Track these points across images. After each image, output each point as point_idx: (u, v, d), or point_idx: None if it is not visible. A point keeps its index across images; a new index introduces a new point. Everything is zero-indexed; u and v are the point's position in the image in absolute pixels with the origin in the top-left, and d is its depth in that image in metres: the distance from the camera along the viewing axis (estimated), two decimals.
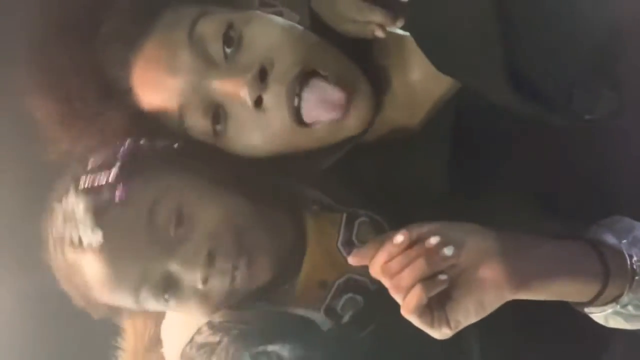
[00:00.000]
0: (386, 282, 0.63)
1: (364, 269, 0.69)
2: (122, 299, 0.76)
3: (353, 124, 0.77)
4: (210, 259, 0.72)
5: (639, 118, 0.73)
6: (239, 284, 0.74)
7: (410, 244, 0.62)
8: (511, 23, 0.68)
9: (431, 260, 0.61)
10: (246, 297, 0.77)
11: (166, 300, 0.74)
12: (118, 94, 0.76)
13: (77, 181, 0.75)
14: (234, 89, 0.72)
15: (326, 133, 0.77)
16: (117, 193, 0.73)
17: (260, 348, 0.73)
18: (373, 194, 0.81)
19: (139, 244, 0.73)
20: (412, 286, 0.60)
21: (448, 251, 0.61)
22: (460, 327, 0.63)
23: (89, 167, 0.76)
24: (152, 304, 0.76)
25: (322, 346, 0.74)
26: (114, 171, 0.74)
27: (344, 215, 0.79)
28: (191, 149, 0.77)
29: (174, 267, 0.73)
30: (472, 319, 0.63)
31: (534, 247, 0.65)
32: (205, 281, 0.73)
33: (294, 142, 0.77)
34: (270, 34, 0.75)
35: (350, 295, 0.77)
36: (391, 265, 0.62)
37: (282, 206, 0.80)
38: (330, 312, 0.77)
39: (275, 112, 0.74)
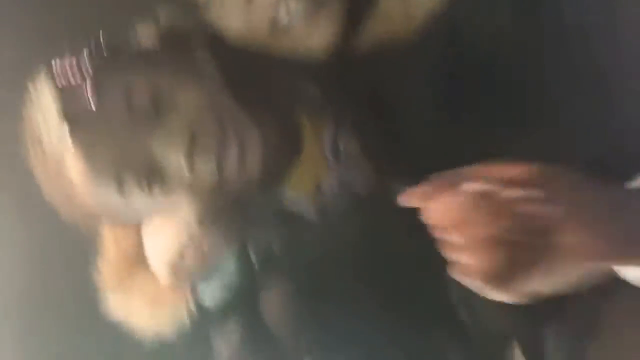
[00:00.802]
0: (451, 236, 0.52)
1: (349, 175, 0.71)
2: (107, 193, 0.73)
3: (321, 37, 0.77)
4: (193, 140, 0.70)
5: None
6: (228, 174, 0.72)
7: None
8: None
9: (522, 217, 0.49)
10: (238, 197, 0.75)
11: (151, 190, 0.72)
12: None
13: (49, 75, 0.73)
14: None
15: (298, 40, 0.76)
16: (88, 83, 0.71)
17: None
18: (364, 104, 0.79)
19: (117, 126, 0.70)
20: (489, 247, 0.50)
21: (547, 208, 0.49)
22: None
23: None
24: (138, 196, 0.73)
25: (311, 234, 0.74)
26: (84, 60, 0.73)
27: (333, 120, 0.78)
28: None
29: (157, 149, 0.71)
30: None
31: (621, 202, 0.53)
32: (190, 166, 0.70)
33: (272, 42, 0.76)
34: None
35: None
36: (464, 215, 0.51)
37: (275, 104, 0.77)
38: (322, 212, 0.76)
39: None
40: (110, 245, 0.86)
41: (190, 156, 0.70)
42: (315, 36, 0.78)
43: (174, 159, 0.70)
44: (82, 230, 0.81)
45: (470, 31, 0.79)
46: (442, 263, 0.71)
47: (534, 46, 0.78)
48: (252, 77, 0.77)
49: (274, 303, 0.72)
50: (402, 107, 0.79)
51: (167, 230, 0.80)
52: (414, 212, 0.73)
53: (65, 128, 0.70)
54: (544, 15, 0.80)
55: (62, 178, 0.73)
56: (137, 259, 0.84)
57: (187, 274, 0.79)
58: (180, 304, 0.82)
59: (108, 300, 0.85)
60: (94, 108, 0.70)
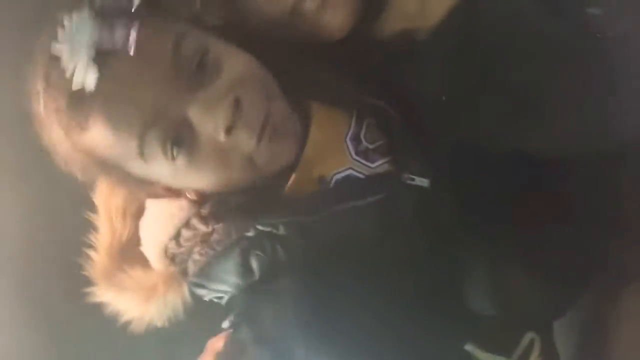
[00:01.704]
0: None
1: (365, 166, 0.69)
2: (124, 151, 0.66)
3: (334, 22, 0.75)
4: (237, 105, 0.65)
5: None
6: (260, 155, 0.67)
7: None
8: None
9: None
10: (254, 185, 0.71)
11: (173, 156, 0.66)
12: None
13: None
14: None
15: (307, 26, 0.75)
16: (131, 37, 0.64)
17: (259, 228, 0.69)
18: (383, 93, 0.77)
19: (160, 73, 0.64)
20: None
21: None
22: None
23: None
24: (156, 156, 0.66)
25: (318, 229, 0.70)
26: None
27: (355, 111, 0.75)
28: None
29: (194, 110, 0.65)
30: None
31: None
32: (229, 130, 0.65)
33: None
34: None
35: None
36: None
37: (294, 90, 0.74)
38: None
39: None
40: (106, 232, 0.82)
41: (231, 124, 0.65)
42: (329, 16, 0.75)
43: (211, 125, 0.65)
44: (79, 182, 0.76)
45: (487, 26, 0.78)
46: (456, 260, 0.71)
47: (552, 41, 0.77)
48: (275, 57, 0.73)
49: (274, 305, 0.69)
50: (419, 102, 0.78)
51: (166, 210, 0.76)
52: (429, 208, 0.73)
53: (94, 66, 0.63)
54: (564, 9, 0.79)
55: (74, 123, 0.66)
56: (133, 251, 0.80)
57: (180, 259, 0.75)
58: (175, 296, 0.79)
59: (98, 293, 0.82)
60: (132, 51, 0.63)
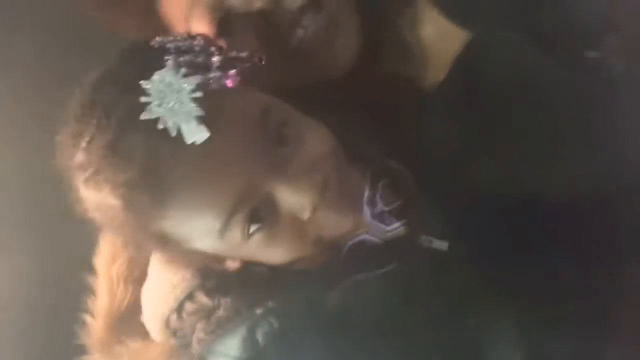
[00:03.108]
0: None
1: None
2: (204, 222, 0.59)
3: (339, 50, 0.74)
4: (326, 185, 0.61)
5: None
6: (329, 231, 0.64)
7: None
8: None
9: None
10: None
11: (249, 233, 0.60)
12: None
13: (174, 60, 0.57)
14: None
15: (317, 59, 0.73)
16: (233, 77, 0.59)
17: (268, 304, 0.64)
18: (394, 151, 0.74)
19: (248, 147, 0.58)
20: None
21: None
22: None
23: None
24: (237, 237, 0.60)
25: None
26: (217, 58, 0.60)
27: (369, 172, 0.70)
28: None
29: (280, 188, 0.60)
30: None
31: None
32: (314, 209, 0.61)
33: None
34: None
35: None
36: None
37: None
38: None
39: None
40: (105, 298, 0.78)
41: (318, 204, 0.61)
42: (333, 51, 0.75)
43: (297, 204, 0.61)
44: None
45: (491, 75, 0.77)
46: (471, 321, 0.68)
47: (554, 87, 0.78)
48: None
49: None
50: (429, 155, 0.76)
51: (168, 280, 0.71)
52: (448, 270, 0.70)
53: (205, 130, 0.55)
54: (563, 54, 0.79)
55: (144, 200, 0.58)
56: (132, 320, 0.75)
57: (182, 334, 0.70)
58: None
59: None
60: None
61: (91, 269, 0.80)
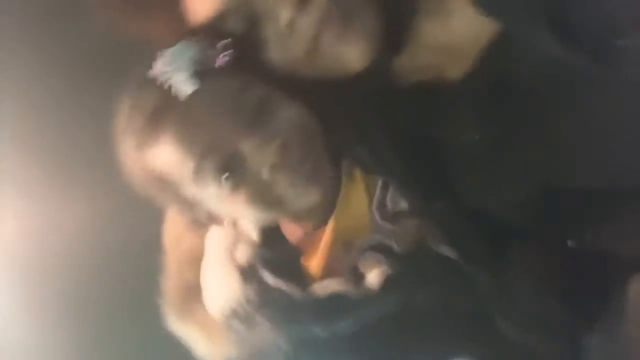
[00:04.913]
0: None
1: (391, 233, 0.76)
2: (185, 163, 0.75)
3: (353, 54, 0.77)
4: (285, 147, 0.75)
5: None
6: (290, 193, 0.76)
7: None
8: None
9: None
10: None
11: (223, 181, 0.75)
12: None
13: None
14: None
15: (328, 60, 0.78)
16: (220, 59, 0.76)
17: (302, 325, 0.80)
18: (409, 159, 0.81)
19: (226, 109, 0.75)
20: None
21: None
22: None
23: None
24: (207, 181, 0.75)
25: (351, 315, 0.78)
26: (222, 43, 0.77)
27: (380, 179, 0.81)
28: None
29: (246, 147, 0.74)
30: None
31: None
32: (273, 167, 0.74)
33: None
34: None
35: (373, 254, 0.80)
36: None
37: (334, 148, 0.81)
38: (351, 270, 0.81)
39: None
40: (173, 274, 0.93)
41: (275, 164, 0.74)
42: (348, 52, 0.78)
43: (258, 162, 0.74)
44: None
45: (520, 68, 0.79)
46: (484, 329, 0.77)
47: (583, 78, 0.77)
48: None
49: None
50: (449, 159, 0.80)
51: (223, 278, 0.85)
52: (455, 277, 0.78)
53: (194, 79, 0.74)
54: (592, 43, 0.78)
55: (147, 138, 0.76)
56: (198, 292, 0.90)
57: (236, 329, 0.85)
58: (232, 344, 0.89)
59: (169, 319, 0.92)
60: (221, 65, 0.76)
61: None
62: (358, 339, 0.78)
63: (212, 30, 0.77)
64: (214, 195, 0.76)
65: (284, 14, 0.75)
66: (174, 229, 0.94)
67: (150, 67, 0.77)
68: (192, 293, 0.91)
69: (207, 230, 0.88)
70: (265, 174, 0.74)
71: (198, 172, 0.75)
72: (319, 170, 0.78)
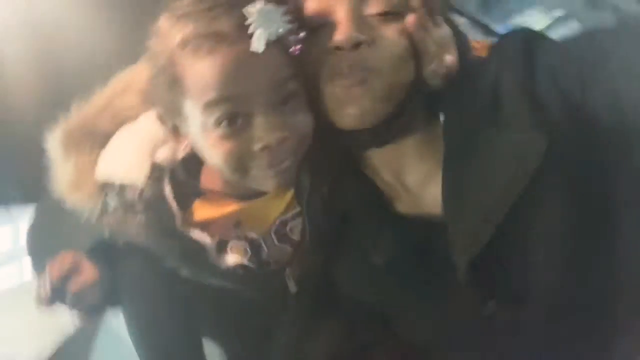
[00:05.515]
0: None
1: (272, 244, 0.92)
2: (209, 89, 0.79)
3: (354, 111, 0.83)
4: (283, 141, 0.82)
5: None
6: (260, 173, 0.84)
7: None
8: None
9: None
10: None
11: (222, 125, 0.80)
12: None
13: None
14: None
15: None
16: (295, 47, 0.81)
17: None
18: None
19: (266, 81, 0.80)
20: None
21: None
22: None
23: None
24: (212, 115, 0.80)
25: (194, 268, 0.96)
26: (301, 35, 0.82)
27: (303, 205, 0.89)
28: None
29: (260, 118, 0.81)
30: None
31: None
32: (265, 148, 0.81)
33: None
34: None
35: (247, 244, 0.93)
36: None
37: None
38: (222, 240, 0.94)
39: None
40: (93, 107, 0.97)
41: (269, 146, 0.81)
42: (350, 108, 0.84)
43: (258, 135, 0.81)
44: None
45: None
46: None
47: None
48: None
49: None
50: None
51: (133, 156, 0.93)
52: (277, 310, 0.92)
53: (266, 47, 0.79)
54: None
55: (200, 46, 0.79)
56: (97, 142, 0.95)
57: (107, 202, 0.92)
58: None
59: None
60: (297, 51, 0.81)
61: None
62: (193, 291, 0.92)
63: (302, 20, 0.82)
64: (204, 126, 0.82)
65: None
66: (136, 78, 0.97)
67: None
68: (93, 137, 0.95)
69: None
70: (256, 147, 0.82)
71: (211, 105, 0.80)
72: (291, 173, 0.86)
